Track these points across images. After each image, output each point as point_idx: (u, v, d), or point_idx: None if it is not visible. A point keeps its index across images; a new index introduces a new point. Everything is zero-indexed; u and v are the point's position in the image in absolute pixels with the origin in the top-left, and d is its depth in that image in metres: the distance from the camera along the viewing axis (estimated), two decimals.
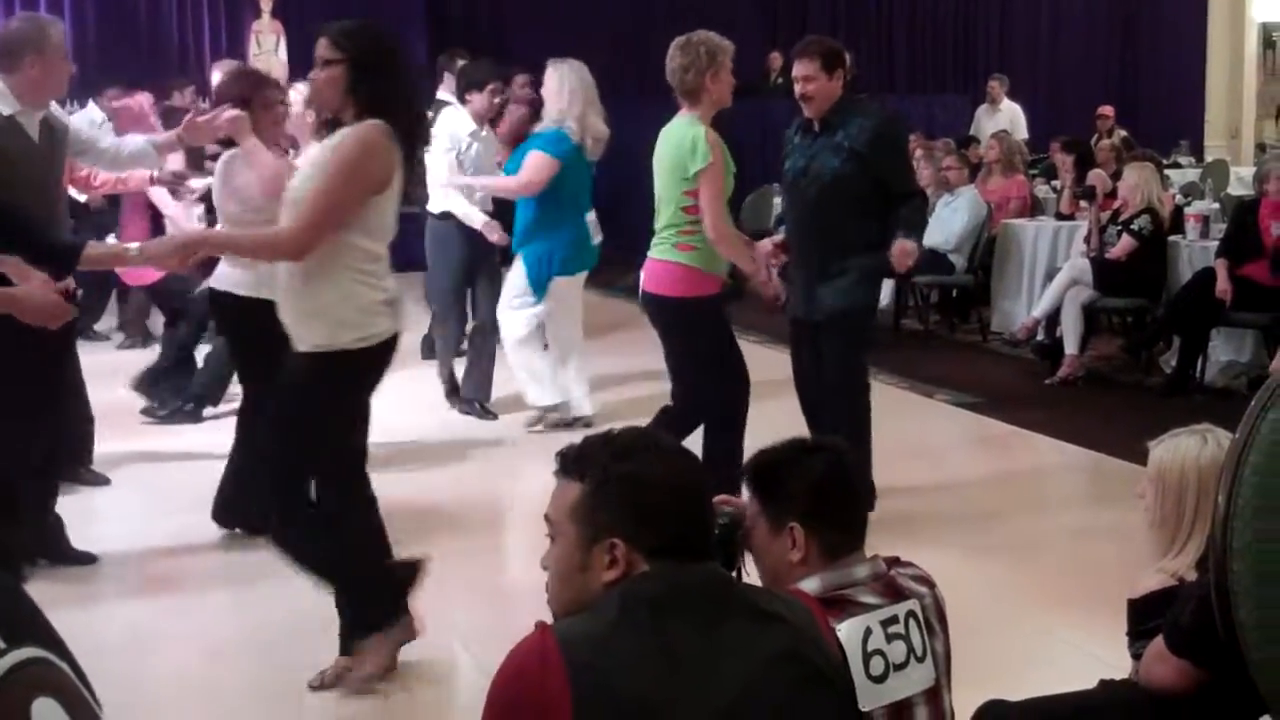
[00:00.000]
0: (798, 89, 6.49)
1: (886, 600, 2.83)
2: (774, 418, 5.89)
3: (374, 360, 4.68)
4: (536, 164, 8.15)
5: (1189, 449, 3.40)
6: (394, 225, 4.78)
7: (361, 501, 4.91)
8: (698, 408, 6.35)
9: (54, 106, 6.04)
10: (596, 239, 8.43)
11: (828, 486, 2.89)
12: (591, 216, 8.39)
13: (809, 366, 6.62)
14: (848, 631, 2.72)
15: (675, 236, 6.26)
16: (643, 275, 6.41)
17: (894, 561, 2.99)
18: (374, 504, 4.95)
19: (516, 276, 8.44)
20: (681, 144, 6.22)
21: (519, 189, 8.26)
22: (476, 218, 8.52)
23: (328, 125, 4.77)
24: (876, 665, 2.75)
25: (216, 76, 8.84)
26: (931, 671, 2.82)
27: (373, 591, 4.91)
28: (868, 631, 2.75)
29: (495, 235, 8.55)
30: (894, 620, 2.81)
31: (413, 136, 4.70)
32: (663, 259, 6.31)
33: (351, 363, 4.61)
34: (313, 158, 4.78)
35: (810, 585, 2.84)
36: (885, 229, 6.48)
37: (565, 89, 8.26)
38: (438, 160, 8.12)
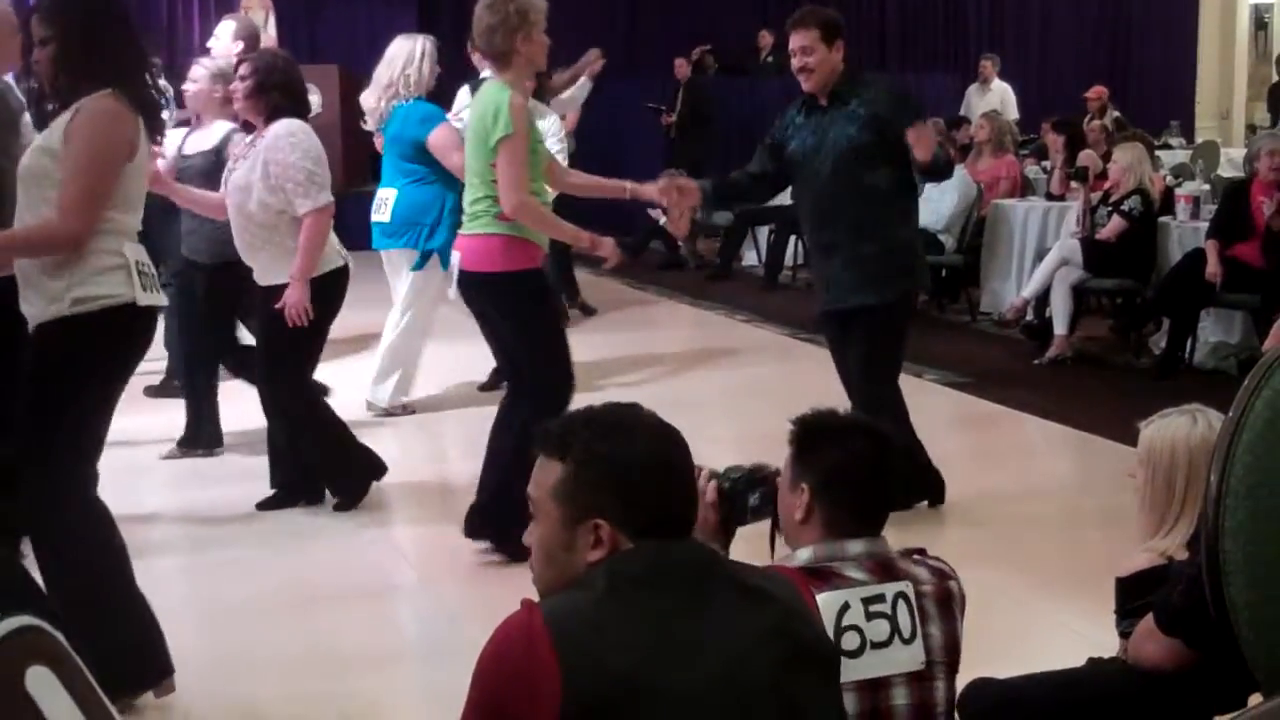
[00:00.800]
0: (795, 62, 6.16)
1: (875, 578, 2.83)
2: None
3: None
4: None
5: (1179, 429, 3.40)
6: (142, 196, 4.56)
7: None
8: (541, 389, 5.75)
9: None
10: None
11: (851, 467, 2.90)
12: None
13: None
14: (822, 602, 2.73)
15: (493, 207, 5.67)
16: (457, 255, 5.86)
17: (914, 552, 2.99)
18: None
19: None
20: (486, 112, 5.64)
21: None
22: None
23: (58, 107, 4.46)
24: (850, 640, 2.76)
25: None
26: (919, 655, 2.82)
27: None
28: (845, 606, 2.76)
29: None
30: (879, 599, 2.81)
31: (149, 105, 4.51)
32: (481, 233, 5.72)
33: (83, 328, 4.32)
34: (45, 137, 4.45)
35: (803, 555, 2.87)
36: (914, 204, 6.30)
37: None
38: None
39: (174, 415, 7.58)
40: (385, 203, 8.17)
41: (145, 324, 4.48)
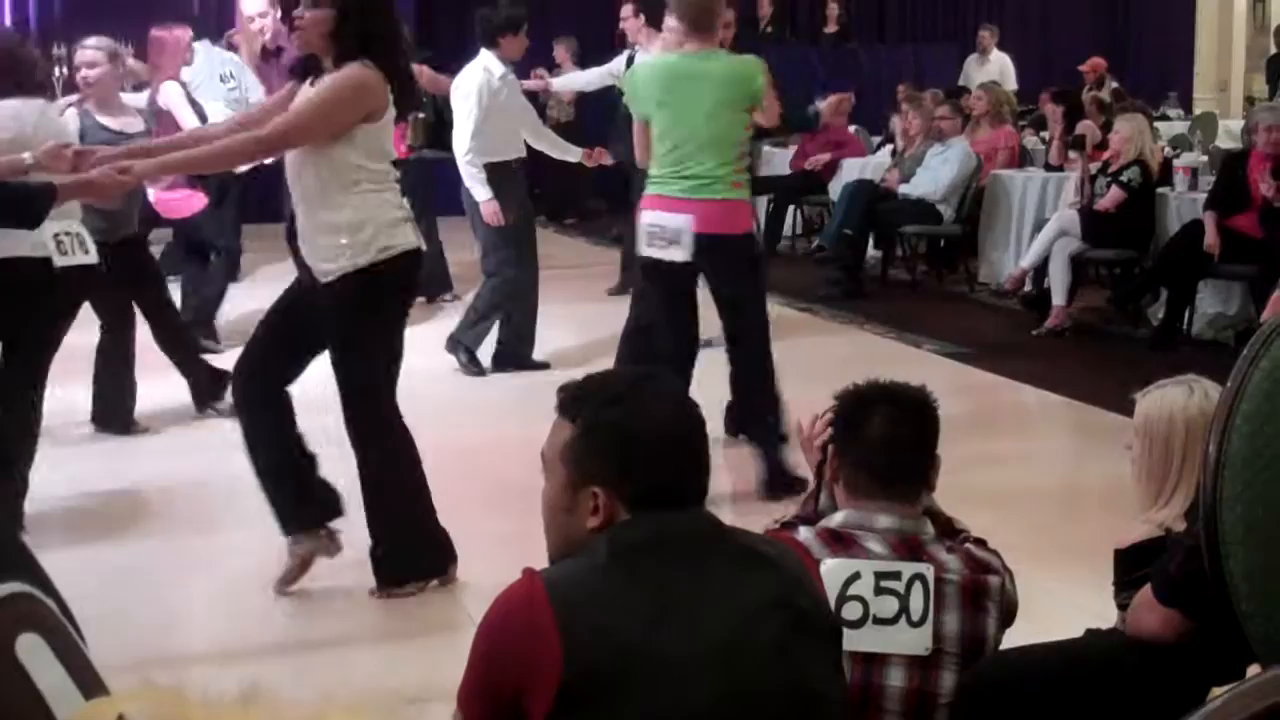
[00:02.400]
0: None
1: (895, 555, 2.84)
2: None
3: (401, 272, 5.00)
4: None
5: (1176, 399, 3.40)
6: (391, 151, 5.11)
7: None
8: (764, 339, 6.45)
9: None
10: None
11: (869, 430, 3.01)
12: None
13: None
14: (832, 567, 2.75)
15: (731, 174, 6.22)
16: (692, 218, 6.18)
17: (966, 539, 3.02)
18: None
19: None
20: (732, 81, 6.21)
21: None
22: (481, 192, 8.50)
23: (302, 68, 4.98)
24: (852, 610, 2.77)
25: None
26: (926, 641, 2.83)
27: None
28: (855, 575, 2.77)
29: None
30: (894, 575, 2.82)
31: (405, 93, 4.98)
32: (720, 198, 6.19)
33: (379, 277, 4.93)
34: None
35: (837, 518, 2.91)
36: None
37: None
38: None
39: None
40: None
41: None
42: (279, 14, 9.19)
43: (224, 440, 6.28)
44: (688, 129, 6.18)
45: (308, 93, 4.88)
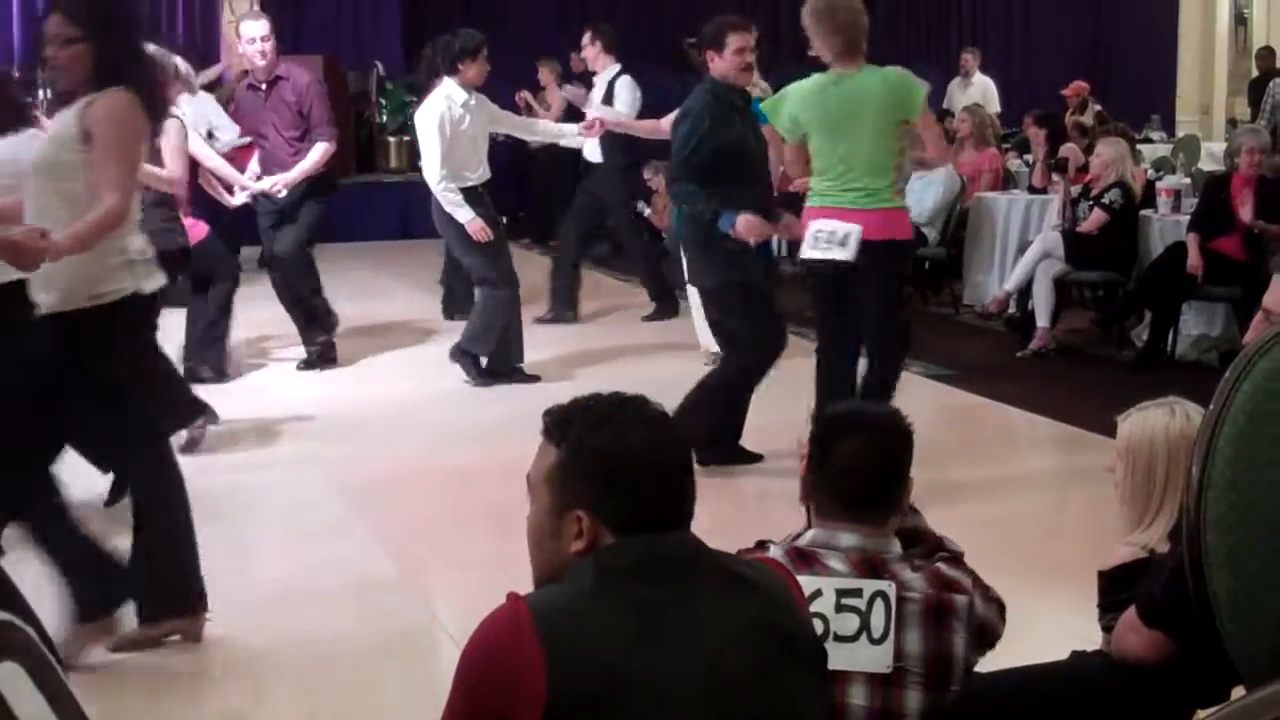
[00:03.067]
0: (746, 59, 6.89)
1: (856, 573, 2.85)
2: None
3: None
4: None
5: (1158, 421, 3.40)
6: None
7: None
8: (903, 332, 7.09)
9: None
10: None
11: (840, 455, 3.01)
12: None
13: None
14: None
15: (891, 185, 6.61)
16: (860, 227, 6.43)
17: (941, 557, 3.03)
18: None
19: None
20: (895, 94, 6.60)
21: None
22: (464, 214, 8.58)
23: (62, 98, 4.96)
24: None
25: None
26: (887, 659, 2.83)
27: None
28: (817, 593, 2.80)
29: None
30: (854, 593, 2.83)
31: (154, 109, 4.92)
32: (888, 207, 6.53)
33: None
34: (60, 129, 4.82)
35: (804, 537, 2.94)
36: None
37: None
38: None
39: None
40: None
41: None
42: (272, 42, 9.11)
43: None
44: (850, 147, 6.47)
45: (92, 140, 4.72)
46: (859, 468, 3.02)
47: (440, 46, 8.86)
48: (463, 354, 8.84)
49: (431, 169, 8.54)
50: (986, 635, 3.08)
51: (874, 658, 2.83)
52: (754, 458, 6.98)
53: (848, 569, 2.88)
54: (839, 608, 2.82)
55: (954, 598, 2.94)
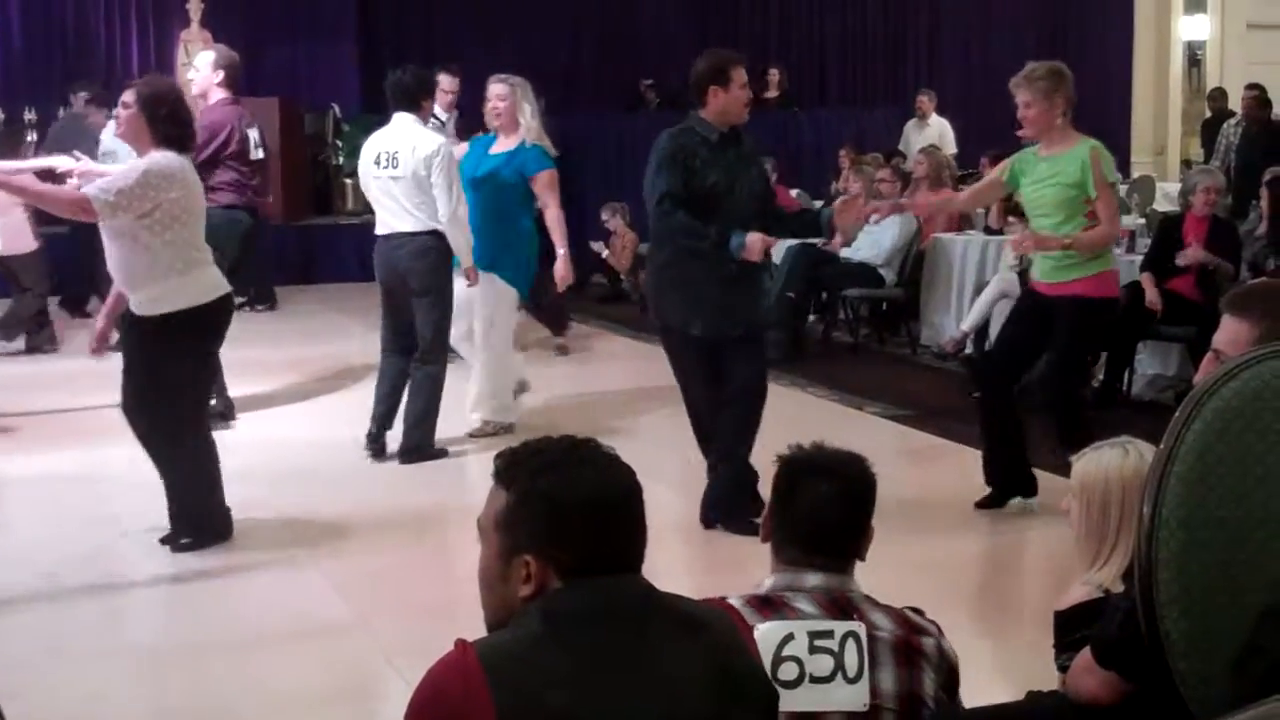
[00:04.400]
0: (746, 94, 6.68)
1: (825, 614, 2.85)
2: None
3: None
4: (554, 181, 8.49)
5: (1111, 461, 3.42)
6: None
7: None
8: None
9: None
10: None
11: (801, 502, 3.03)
12: None
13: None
14: (765, 630, 2.78)
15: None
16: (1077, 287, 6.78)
17: (907, 608, 3.04)
18: None
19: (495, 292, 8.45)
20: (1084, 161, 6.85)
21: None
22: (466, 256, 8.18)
23: None
24: (788, 670, 2.79)
25: None
26: (863, 697, 2.84)
27: None
28: (789, 636, 2.79)
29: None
30: (826, 635, 2.83)
31: None
32: (1100, 272, 6.90)
33: None
34: None
35: (767, 583, 2.92)
36: None
37: (529, 105, 8.52)
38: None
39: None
40: None
41: None
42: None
43: None
44: None
45: None
46: (823, 517, 3.02)
47: (400, 85, 8.37)
48: (418, 452, 8.13)
49: (450, 207, 7.93)
50: (954, 676, 3.08)
51: (850, 696, 2.84)
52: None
53: (817, 610, 2.88)
54: (812, 649, 2.84)
55: (922, 640, 2.97)
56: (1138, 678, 2.94)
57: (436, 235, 7.92)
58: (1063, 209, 6.83)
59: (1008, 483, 6.92)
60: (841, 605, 2.91)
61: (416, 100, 8.14)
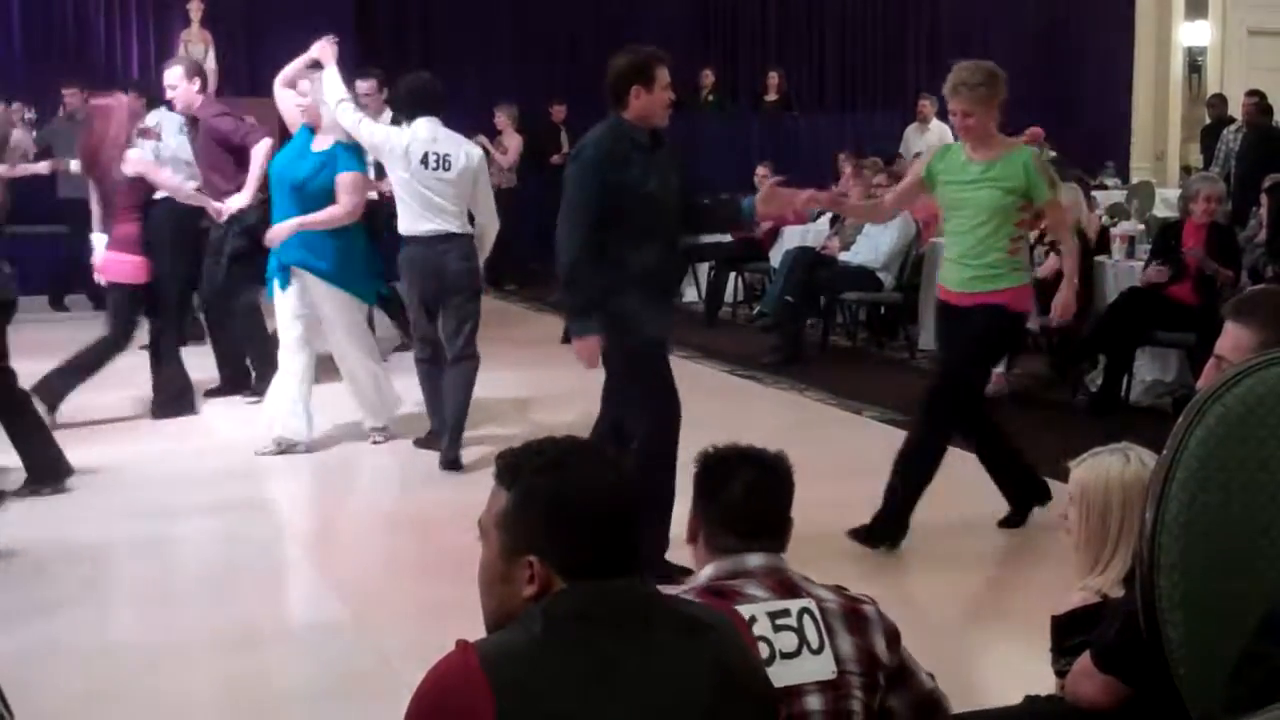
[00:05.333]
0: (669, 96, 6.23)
1: (776, 595, 2.89)
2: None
3: None
4: (357, 185, 8.30)
5: (1111, 466, 3.42)
6: None
7: None
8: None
9: None
10: None
11: (728, 490, 3.03)
12: None
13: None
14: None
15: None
16: (1001, 298, 6.55)
17: (836, 588, 3.05)
18: None
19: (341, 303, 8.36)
20: (1014, 175, 6.56)
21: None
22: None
23: None
24: (759, 650, 2.82)
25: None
26: (829, 665, 2.88)
27: None
28: (752, 619, 2.85)
29: None
30: (784, 614, 2.90)
31: None
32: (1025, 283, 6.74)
33: None
34: None
35: (705, 573, 2.95)
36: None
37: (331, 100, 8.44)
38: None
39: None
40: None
41: None
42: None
43: None
44: None
45: None
46: (762, 496, 3.05)
47: (427, 91, 8.40)
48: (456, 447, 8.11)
49: (492, 210, 8.33)
50: (897, 636, 3.09)
51: (819, 666, 2.88)
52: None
53: (768, 594, 2.92)
54: (776, 628, 2.88)
55: (864, 607, 3.02)
56: (1137, 682, 2.94)
57: (471, 237, 8.11)
58: (996, 215, 6.49)
59: (1022, 496, 6.85)
60: (788, 586, 2.97)
61: (444, 105, 8.28)
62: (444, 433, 8.01)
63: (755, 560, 2.98)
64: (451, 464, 7.81)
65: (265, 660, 5.27)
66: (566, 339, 6.38)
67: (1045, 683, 3.52)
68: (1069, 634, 3.37)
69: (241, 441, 8.40)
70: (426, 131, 8.04)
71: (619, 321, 6.02)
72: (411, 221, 8.02)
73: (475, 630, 2.40)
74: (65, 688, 4.97)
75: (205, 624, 5.58)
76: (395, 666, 5.09)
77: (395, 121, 8.61)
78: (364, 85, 10.87)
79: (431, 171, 7.97)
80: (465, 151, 8.10)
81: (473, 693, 2.19)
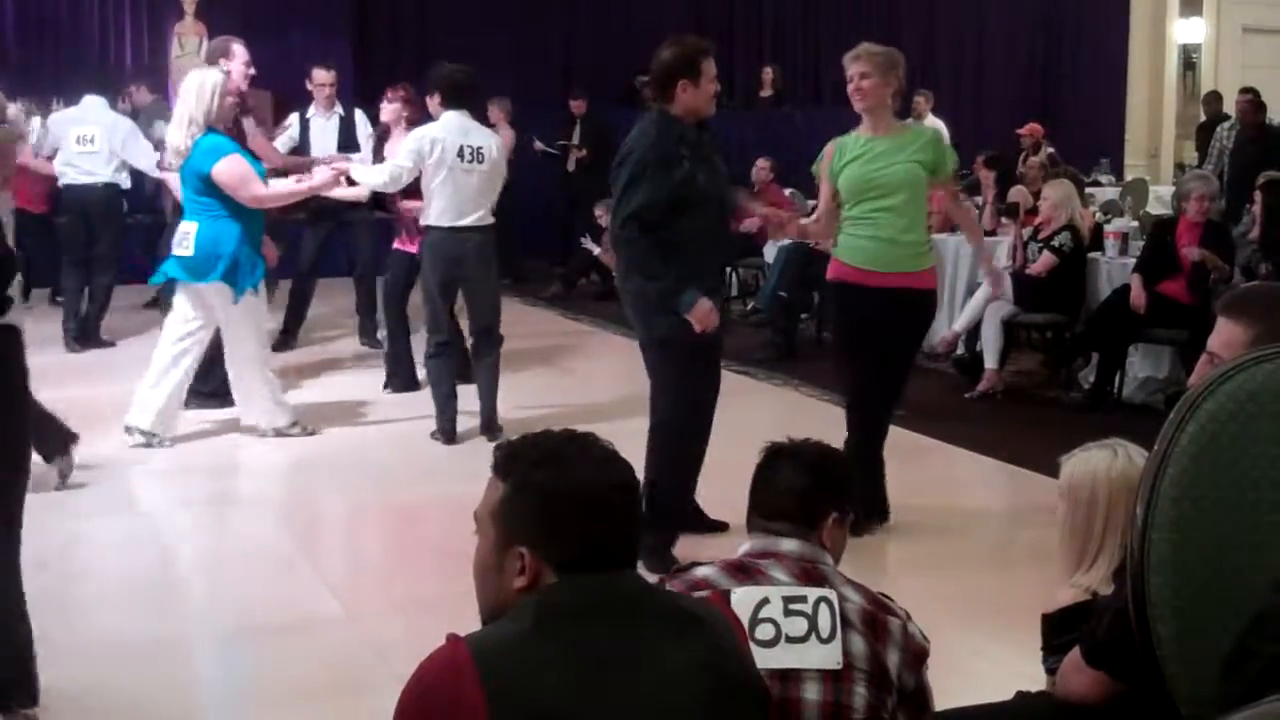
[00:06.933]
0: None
1: (798, 582, 2.91)
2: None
3: None
4: (233, 171, 7.97)
5: (1099, 463, 3.43)
6: None
7: None
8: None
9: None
10: None
11: (776, 483, 3.15)
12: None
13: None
14: (741, 595, 2.90)
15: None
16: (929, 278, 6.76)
17: (877, 595, 3.11)
18: None
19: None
20: (928, 150, 6.58)
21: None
22: None
23: None
24: (764, 631, 2.86)
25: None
26: (836, 655, 2.90)
27: None
28: (764, 600, 2.89)
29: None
30: (800, 599, 2.93)
31: None
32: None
33: None
34: None
35: (741, 549, 3.10)
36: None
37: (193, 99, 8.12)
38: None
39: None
40: (187, 236, 7.97)
41: None
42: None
43: None
44: None
45: None
46: (791, 483, 3.14)
47: (467, 82, 8.48)
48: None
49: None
50: (921, 658, 3.10)
51: (824, 655, 2.90)
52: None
53: (790, 579, 2.95)
54: (787, 612, 2.92)
55: (888, 618, 3.03)
56: (1127, 678, 2.95)
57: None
58: (907, 187, 6.49)
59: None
60: (813, 575, 3.00)
61: (476, 98, 8.51)
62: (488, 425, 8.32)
63: (789, 545, 3.05)
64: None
65: (258, 654, 5.27)
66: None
67: (1038, 678, 3.53)
68: (1059, 632, 3.39)
69: (233, 437, 8.40)
70: (459, 125, 8.21)
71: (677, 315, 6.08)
72: (446, 212, 8.17)
73: (468, 624, 2.40)
74: (54, 682, 4.96)
75: (197, 618, 5.59)
76: (388, 660, 5.09)
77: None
78: (321, 75, 10.95)
79: (469, 163, 8.14)
80: (496, 144, 8.39)
81: (463, 686, 2.19)
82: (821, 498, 3.14)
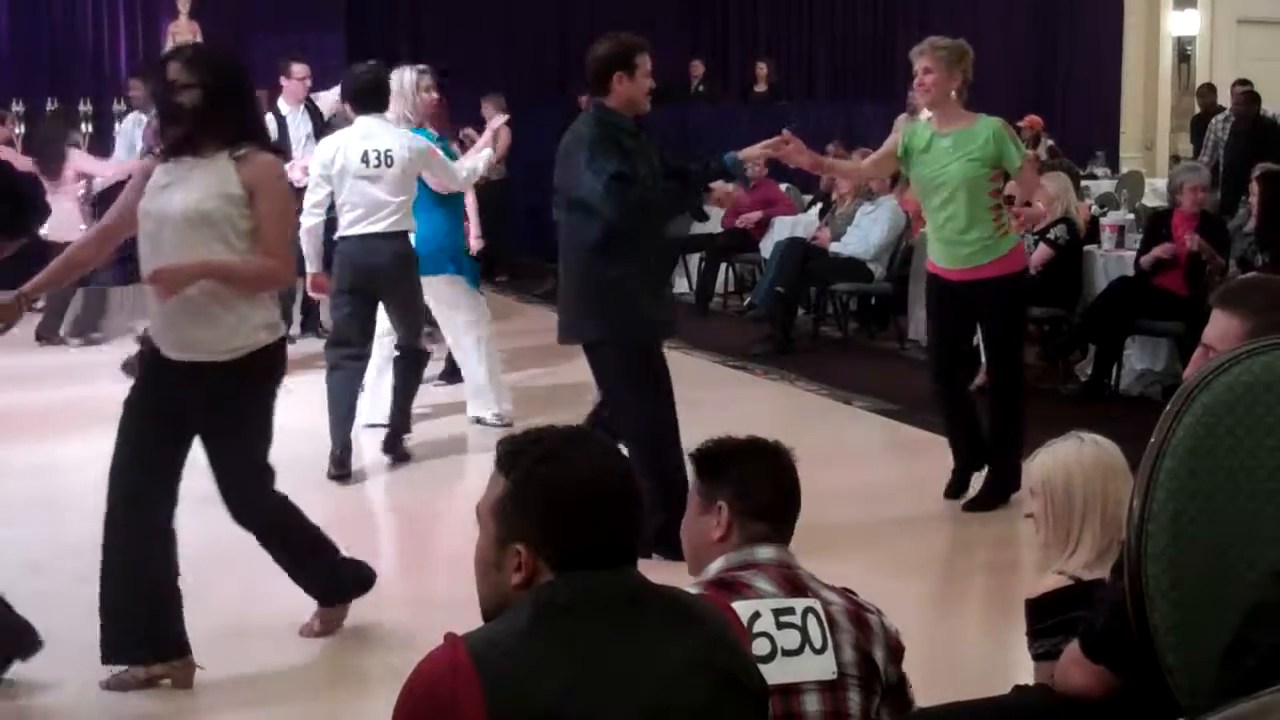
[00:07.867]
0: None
1: (784, 592, 2.91)
2: None
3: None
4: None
5: (1068, 453, 3.52)
6: None
7: None
8: None
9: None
10: None
11: (762, 478, 3.08)
12: None
13: None
14: (736, 610, 2.82)
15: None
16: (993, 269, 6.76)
17: (844, 591, 3.07)
18: None
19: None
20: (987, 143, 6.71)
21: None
22: None
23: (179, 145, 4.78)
24: (761, 646, 2.87)
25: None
26: (831, 665, 2.91)
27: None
28: (756, 615, 2.88)
29: None
30: (789, 611, 2.93)
31: None
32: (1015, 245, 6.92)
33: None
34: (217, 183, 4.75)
35: (715, 566, 3.01)
36: None
37: None
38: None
39: None
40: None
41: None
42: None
43: None
44: None
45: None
46: (780, 484, 3.10)
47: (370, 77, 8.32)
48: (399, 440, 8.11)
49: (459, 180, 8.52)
50: (900, 652, 3.11)
51: (820, 666, 2.91)
52: None
53: (775, 589, 2.94)
54: (779, 625, 2.91)
55: (868, 615, 3.05)
56: (1126, 671, 2.95)
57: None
58: (965, 187, 6.65)
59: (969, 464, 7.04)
60: (794, 584, 3.00)
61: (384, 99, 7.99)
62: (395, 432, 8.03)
63: (765, 553, 3.03)
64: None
65: (257, 653, 5.26)
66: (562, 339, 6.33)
67: (1025, 669, 3.54)
68: (1043, 616, 3.45)
69: None
70: (361, 129, 7.85)
71: (617, 317, 6.02)
72: (352, 221, 7.77)
73: (467, 623, 2.40)
74: (57, 680, 4.97)
75: (196, 617, 5.57)
76: (387, 660, 5.10)
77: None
78: (301, 69, 10.95)
79: (371, 169, 7.72)
80: (406, 144, 7.87)
81: (462, 686, 2.19)
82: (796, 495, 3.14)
